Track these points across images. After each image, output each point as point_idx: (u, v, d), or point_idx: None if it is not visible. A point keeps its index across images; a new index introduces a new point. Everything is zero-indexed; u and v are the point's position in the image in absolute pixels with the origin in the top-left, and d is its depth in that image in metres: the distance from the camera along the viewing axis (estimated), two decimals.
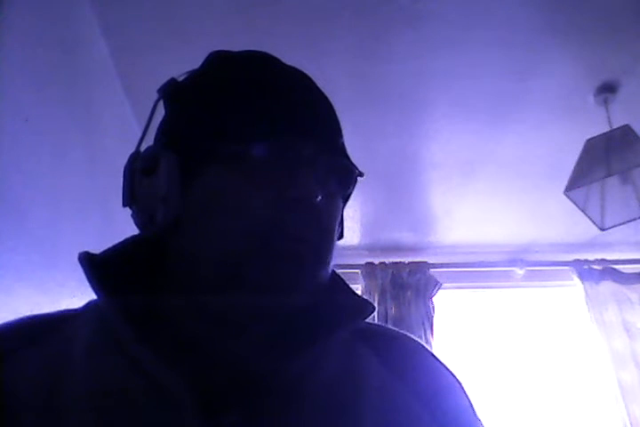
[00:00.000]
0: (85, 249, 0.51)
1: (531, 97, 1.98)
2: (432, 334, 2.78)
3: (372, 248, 3.02)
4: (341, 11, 1.62)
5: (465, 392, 0.55)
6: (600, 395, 2.77)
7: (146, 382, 0.43)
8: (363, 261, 2.98)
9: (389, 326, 0.60)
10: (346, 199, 0.56)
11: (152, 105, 0.55)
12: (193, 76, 0.55)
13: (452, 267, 3.01)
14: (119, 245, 0.52)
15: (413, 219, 2.83)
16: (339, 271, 0.56)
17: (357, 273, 2.94)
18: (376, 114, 2.05)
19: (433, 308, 2.85)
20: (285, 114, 0.49)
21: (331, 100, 0.55)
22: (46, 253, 1.26)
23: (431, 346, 2.69)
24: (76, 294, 1.25)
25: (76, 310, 0.54)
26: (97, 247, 0.52)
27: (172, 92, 0.54)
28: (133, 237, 0.53)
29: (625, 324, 2.79)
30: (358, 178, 0.54)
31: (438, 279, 2.92)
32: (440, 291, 2.91)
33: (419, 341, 0.58)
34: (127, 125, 1.88)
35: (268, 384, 0.44)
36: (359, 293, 0.60)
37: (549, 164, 2.34)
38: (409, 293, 2.88)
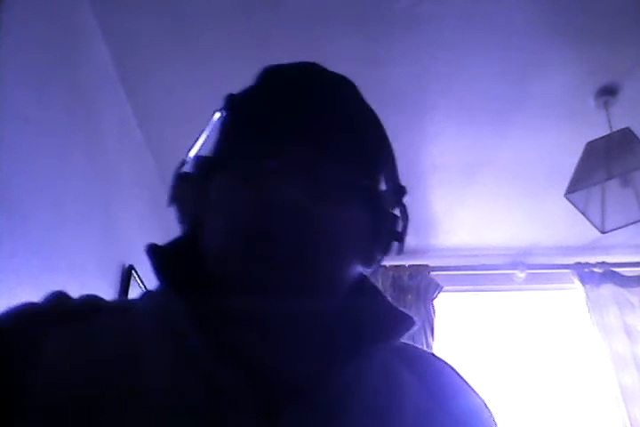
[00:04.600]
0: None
1: (531, 100, 1.98)
2: (433, 337, 2.77)
3: None
4: (341, 14, 1.63)
5: (492, 417, 0.56)
6: (601, 398, 2.77)
7: (203, 380, 0.43)
8: None
9: (415, 344, 0.61)
10: (374, 209, 0.56)
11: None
12: (245, 90, 0.57)
13: (452, 270, 3.01)
14: (174, 241, 0.55)
15: (414, 222, 2.76)
16: None
17: None
18: None
19: (434, 311, 2.85)
20: (295, 122, 0.51)
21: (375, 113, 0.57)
22: (47, 256, 1.26)
23: (432, 349, 2.68)
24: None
25: (133, 299, 0.57)
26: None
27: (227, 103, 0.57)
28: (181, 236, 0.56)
29: (626, 327, 2.78)
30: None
31: (439, 282, 2.91)
32: (441, 294, 2.90)
33: (447, 362, 0.58)
34: (128, 126, 1.87)
35: (314, 395, 0.44)
36: None
37: (550, 166, 2.34)
38: (410, 296, 2.87)
